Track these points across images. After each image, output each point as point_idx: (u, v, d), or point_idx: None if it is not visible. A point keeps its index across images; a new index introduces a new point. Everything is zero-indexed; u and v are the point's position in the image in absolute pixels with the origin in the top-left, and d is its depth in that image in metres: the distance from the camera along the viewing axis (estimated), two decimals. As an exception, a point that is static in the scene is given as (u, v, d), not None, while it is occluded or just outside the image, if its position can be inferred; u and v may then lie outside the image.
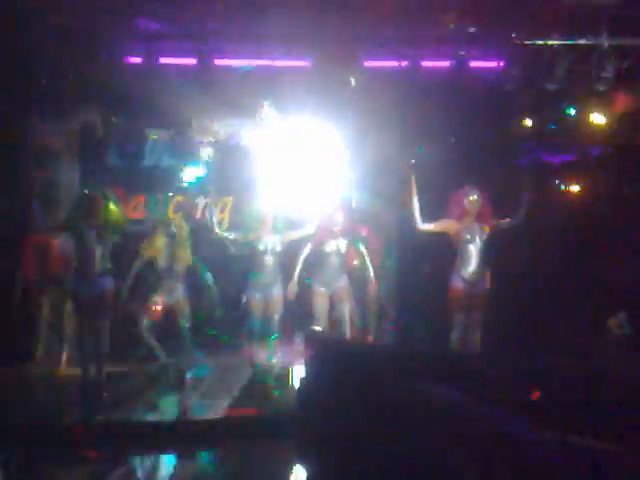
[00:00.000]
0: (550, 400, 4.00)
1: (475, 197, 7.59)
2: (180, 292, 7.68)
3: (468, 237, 7.56)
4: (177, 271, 7.67)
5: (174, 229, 7.66)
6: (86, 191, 7.36)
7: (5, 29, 7.28)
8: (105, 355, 7.27)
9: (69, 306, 7.85)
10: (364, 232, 8.04)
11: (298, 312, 8.58)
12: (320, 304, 7.69)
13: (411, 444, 3.62)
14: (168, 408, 7.07)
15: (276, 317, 7.62)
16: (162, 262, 7.67)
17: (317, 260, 7.71)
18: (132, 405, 7.05)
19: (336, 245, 7.68)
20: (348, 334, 7.69)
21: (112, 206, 7.24)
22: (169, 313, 7.69)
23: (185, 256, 7.67)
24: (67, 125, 8.62)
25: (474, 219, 7.60)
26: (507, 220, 7.60)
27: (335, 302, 7.72)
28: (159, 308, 7.59)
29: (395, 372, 4.07)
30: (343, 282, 7.73)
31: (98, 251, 7.12)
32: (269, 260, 7.56)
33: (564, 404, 3.98)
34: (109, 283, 7.20)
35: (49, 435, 6.19)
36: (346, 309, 7.73)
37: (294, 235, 7.65)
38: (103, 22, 7.56)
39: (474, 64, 8.18)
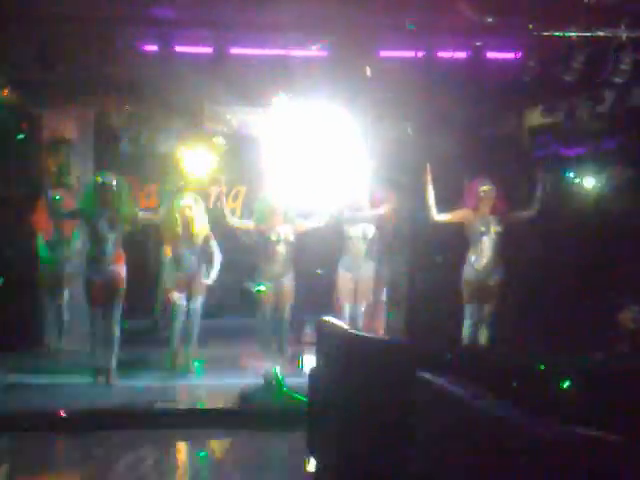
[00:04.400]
0: (559, 395, 4.08)
1: (489, 187, 7.66)
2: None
3: (482, 229, 7.64)
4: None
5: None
6: (99, 179, 7.45)
7: (19, 17, 7.37)
8: (116, 342, 7.37)
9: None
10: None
11: (309, 301, 8.68)
12: (344, 289, 7.76)
13: (423, 438, 3.71)
14: (178, 395, 7.15)
15: (287, 307, 7.71)
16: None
17: (342, 244, 7.78)
18: (143, 391, 7.17)
19: (362, 229, 7.73)
20: (361, 325, 7.75)
21: (124, 194, 7.34)
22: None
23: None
24: (81, 113, 8.70)
25: (488, 211, 7.67)
26: (521, 213, 7.66)
27: (357, 289, 7.79)
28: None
29: (406, 365, 4.15)
30: (369, 269, 7.79)
31: (110, 238, 7.23)
32: (281, 250, 7.64)
33: (572, 398, 4.06)
34: (121, 270, 7.30)
35: (57, 420, 6.30)
36: (365, 299, 7.80)
37: (306, 225, 7.73)
38: (118, 9, 7.62)
39: (491, 55, 8.19)
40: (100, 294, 7.32)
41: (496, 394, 3.53)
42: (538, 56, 7.93)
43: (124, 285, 7.38)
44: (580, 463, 2.60)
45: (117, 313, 7.37)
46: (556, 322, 7.97)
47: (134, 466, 5.87)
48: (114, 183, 7.36)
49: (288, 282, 7.73)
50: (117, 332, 7.38)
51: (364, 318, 7.89)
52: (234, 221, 7.89)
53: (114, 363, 7.40)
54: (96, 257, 7.33)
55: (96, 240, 7.32)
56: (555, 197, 8.24)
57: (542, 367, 4.44)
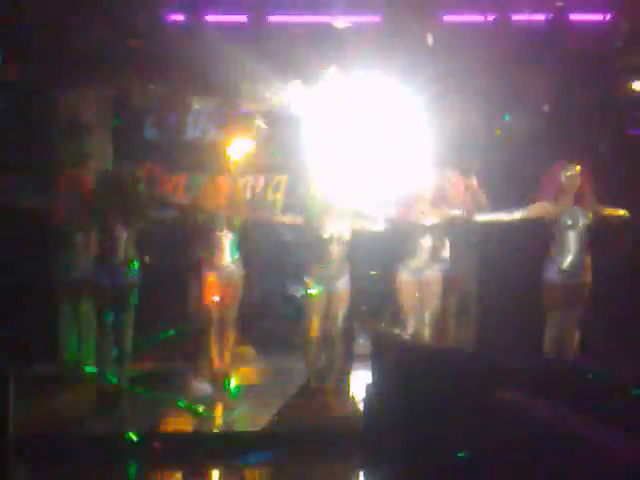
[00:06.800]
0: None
1: (574, 172, 7.55)
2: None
3: (569, 222, 7.56)
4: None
5: None
6: (110, 170, 7.52)
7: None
8: (128, 356, 7.45)
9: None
10: None
11: (362, 307, 8.67)
12: (407, 295, 7.74)
13: (496, 461, 3.69)
14: (209, 418, 7.18)
15: (340, 314, 7.71)
16: None
17: (405, 242, 7.76)
18: (161, 414, 7.21)
19: (428, 224, 7.70)
20: (427, 334, 7.71)
21: (140, 187, 7.40)
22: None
23: None
24: (100, 93, 8.81)
25: (574, 200, 7.56)
26: (616, 210, 7.54)
27: (421, 295, 7.76)
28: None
29: (482, 382, 4.13)
30: (434, 270, 7.75)
31: (123, 238, 7.30)
32: (334, 250, 7.63)
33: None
34: (134, 274, 7.37)
35: (62, 447, 6.36)
36: (430, 306, 7.76)
37: (364, 226, 7.67)
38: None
39: (574, 17, 8.11)
40: (109, 301, 7.40)
41: (587, 417, 3.49)
42: (631, 16, 7.82)
43: (137, 290, 7.43)
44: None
45: (129, 322, 7.43)
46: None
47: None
48: (128, 174, 7.42)
49: (343, 286, 7.72)
50: (129, 344, 7.43)
51: (429, 328, 7.85)
52: (280, 217, 7.88)
53: (125, 380, 7.44)
54: (105, 258, 7.42)
55: (106, 239, 7.42)
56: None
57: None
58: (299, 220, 7.81)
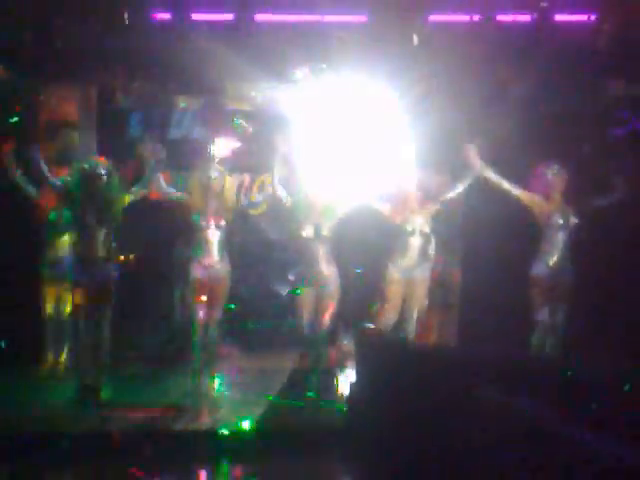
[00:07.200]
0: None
1: (559, 171, 7.63)
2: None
3: (560, 222, 7.63)
4: None
5: None
6: (86, 165, 7.48)
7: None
8: (106, 355, 7.41)
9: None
10: None
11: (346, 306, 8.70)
12: (395, 293, 7.77)
13: (478, 461, 3.72)
14: (189, 417, 7.19)
15: (328, 314, 7.70)
16: None
17: (392, 240, 7.77)
18: (142, 413, 7.16)
19: (415, 223, 7.73)
20: (411, 333, 7.74)
21: (116, 183, 7.37)
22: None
23: None
24: (83, 91, 8.79)
25: (563, 199, 7.64)
26: (600, 201, 7.61)
27: (409, 293, 7.78)
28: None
29: (466, 378, 4.16)
30: (423, 270, 7.79)
31: (100, 234, 7.28)
32: (322, 249, 7.63)
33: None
34: (112, 271, 7.37)
35: (47, 445, 6.33)
36: (416, 304, 7.79)
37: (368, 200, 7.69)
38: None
39: (559, 18, 8.16)
40: (87, 299, 7.36)
41: (571, 414, 3.52)
42: (616, 17, 7.87)
43: (114, 287, 7.40)
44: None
45: (107, 322, 7.38)
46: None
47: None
48: (103, 171, 7.40)
49: (332, 286, 7.71)
50: (107, 345, 7.38)
51: (414, 325, 7.89)
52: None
53: (103, 381, 7.39)
54: (83, 255, 7.40)
55: (83, 236, 7.38)
56: (638, 183, 8.17)
57: (628, 387, 4.40)
58: (289, 202, 7.77)
